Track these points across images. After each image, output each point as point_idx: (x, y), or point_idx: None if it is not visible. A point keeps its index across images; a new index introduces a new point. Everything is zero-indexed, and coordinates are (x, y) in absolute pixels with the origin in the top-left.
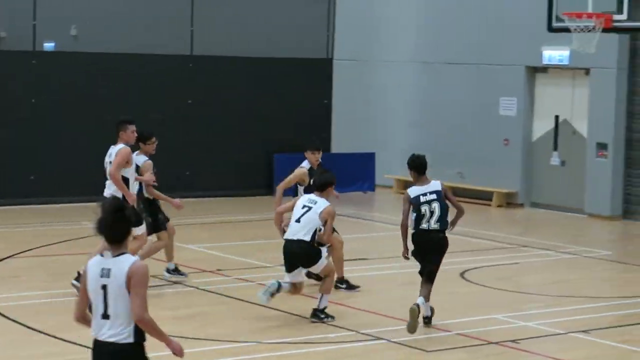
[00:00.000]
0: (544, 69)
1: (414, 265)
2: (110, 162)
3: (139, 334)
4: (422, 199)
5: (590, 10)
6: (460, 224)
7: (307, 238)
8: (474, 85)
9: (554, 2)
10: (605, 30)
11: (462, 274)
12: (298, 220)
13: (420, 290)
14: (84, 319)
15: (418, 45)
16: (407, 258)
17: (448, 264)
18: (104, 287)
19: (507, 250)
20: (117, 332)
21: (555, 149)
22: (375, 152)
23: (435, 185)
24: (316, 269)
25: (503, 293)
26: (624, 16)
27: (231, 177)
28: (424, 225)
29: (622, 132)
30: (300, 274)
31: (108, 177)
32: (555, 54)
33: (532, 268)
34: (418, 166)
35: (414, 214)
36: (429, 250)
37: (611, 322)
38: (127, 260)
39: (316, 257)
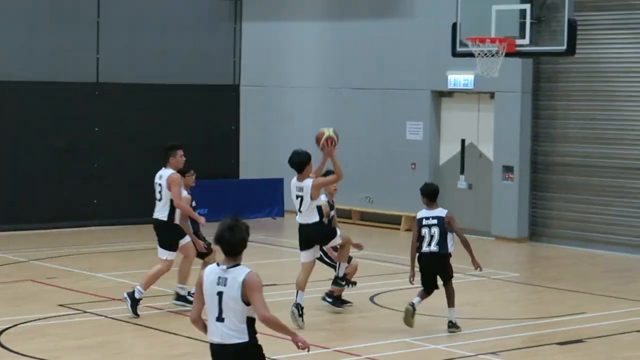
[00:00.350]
0: (450, 93)
1: (321, 292)
2: (160, 185)
3: (251, 334)
4: (425, 222)
5: (493, 35)
6: (369, 249)
7: (317, 219)
8: (381, 110)
9: (458, 27)
10: (509, 54)
11: (371, 298)
12: (300, 210)
13: (419, 291)
14: (198, 321)
15: (324, 70)
16: (411, 283)
17: (357, 288)
18: (220, 294)
19: (417, 273)
20: (230, 334)
21: (462, 172)
22: (283, 178)
23: (440, 212)
24: (334, 242)
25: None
26: (526, 41)
27: (140, 204)
28: (425, 249)
29: (527, 155)
30: (315, 251)
31: (158, 200)
32: (460, 78)
33: (441, 291)
34: (430, 193)
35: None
36: (430, 272)
37: (520, 344)
38: (242, 271)
39: (333, 233)
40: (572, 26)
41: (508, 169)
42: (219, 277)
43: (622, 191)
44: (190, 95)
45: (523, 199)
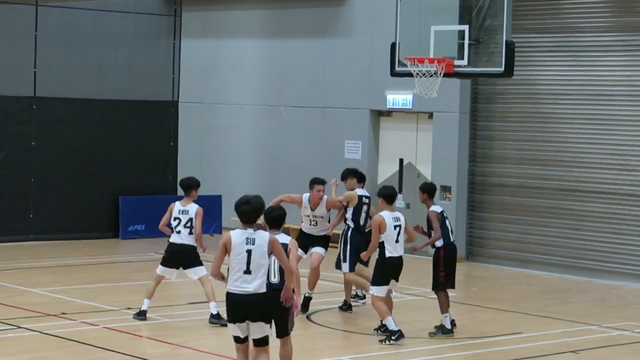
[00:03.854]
0: (388, 113)
1: None
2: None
3: (269, 285)
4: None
5: (431, 56)
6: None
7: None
8: (319, 129)
9: (397, 47)
10: (447, 75)
11: (308, 317)
12: None
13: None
14: (219, 275)
15: (263, 88)
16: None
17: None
18: (249, 252)
19: (352, 291)
20: (258, 285)
21: (400, 191)
22: (221, 195)
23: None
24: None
25: (349, 335)
26: (464, 62)
27: (76, 220)
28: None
29: (465, 175)
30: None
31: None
32: (398, 98)
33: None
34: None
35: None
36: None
37: None
38: (265, 234)
39: None
40: (510, 48)
41: (446, 189)
42: (247, 238)
43: (558, 212)
44: (129, 111)
45: (460, 219)
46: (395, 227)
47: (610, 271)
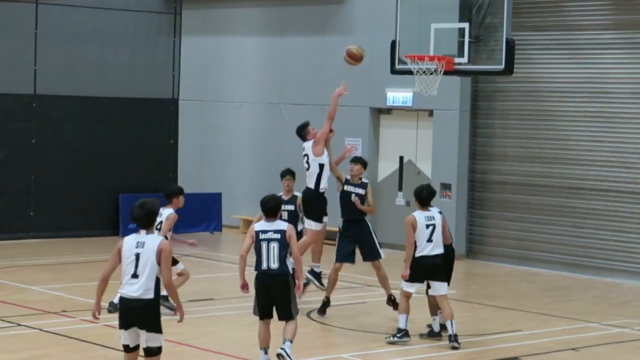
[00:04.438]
0: (389, 111)
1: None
2: (307, 155)
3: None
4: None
5: (432, 53)
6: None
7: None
8: (319, 126)
9: (397, 44)
10: (447, 73)
11: (308, 314)
12: None
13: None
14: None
15: (263, 85)
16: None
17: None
18: (137, 255)
19: (353, 289)
20: (144, 290)
21: (400, 189)
22: (221, 192)
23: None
24: None
25: (349, 332)
26: (464, 59)
27: (77, 217)
28: None
29: (465, 172)
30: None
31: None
32: (399, 96)
33: (378, 307)
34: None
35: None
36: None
37: None
38: (157, 239)
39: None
40: (510, 46)
41: (446, 187)
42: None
43: (559, 210)
44: (129, 109)
45: (460, 217)
46: (427, 226)
47: (611, 269)
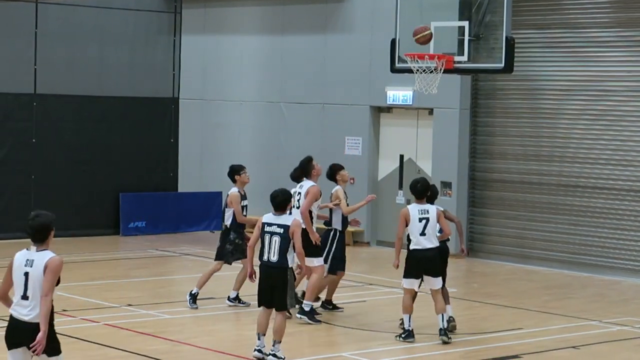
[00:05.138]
0: (389, 109)
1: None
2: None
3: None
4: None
5: (431, 52)
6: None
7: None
8: (319, 125)
9: (397, 43)
10: (447, 71)
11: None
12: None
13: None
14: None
15: (263, 84)
16: None
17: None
18: (26, 275)
19: (354, 288)
20: (36, 314)
21: (401, 187)
22: (222, 191)
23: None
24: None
25: (350, 331)
26: (464, 58)
27: (77, 217)
28: None
29: (465, 171)
30: None
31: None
32: (399, 94)
33: (378, 306)
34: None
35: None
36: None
37: (456, 359)
38: (46, 255)
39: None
40: (510, 44)
41: (446, 185)
42: (27, 259)
43: (559, 208)
44: (129, 108)
45: (461, 215)
46: (421, 219)
47: (611, 267)
